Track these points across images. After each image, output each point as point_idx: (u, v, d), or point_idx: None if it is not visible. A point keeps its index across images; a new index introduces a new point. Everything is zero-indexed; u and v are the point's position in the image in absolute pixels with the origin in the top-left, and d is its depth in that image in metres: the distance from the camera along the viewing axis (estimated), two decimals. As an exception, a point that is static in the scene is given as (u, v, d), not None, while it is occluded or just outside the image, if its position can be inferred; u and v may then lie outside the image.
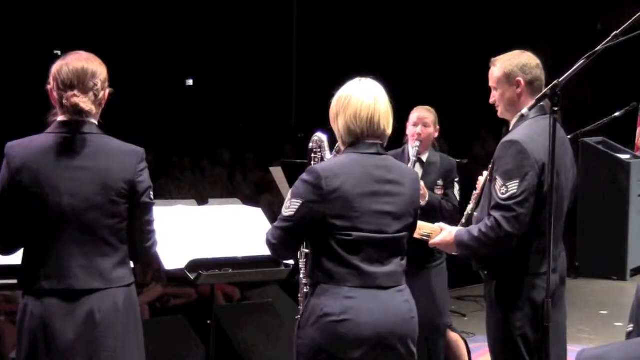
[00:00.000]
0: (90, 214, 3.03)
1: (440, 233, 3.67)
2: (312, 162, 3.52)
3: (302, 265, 3.51)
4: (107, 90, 3.17)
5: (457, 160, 5.58)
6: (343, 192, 3.03)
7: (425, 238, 3.71)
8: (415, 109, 5.09)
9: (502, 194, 3.40)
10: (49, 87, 3.13)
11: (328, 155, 3.43)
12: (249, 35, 16.11)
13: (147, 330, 3.25)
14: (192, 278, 4.04)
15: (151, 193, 3.17)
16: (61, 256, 3.02)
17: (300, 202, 3.05)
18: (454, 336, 5.14)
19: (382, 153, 3.16)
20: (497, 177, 3.45)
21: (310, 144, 3.65)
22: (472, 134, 14.06)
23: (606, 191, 9.02)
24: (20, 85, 12.74)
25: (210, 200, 4.75)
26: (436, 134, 5.10)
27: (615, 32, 3.19)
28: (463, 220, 4.00)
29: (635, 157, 9.25)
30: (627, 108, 7.11)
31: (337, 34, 16.16)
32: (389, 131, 3.19)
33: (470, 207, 3.95)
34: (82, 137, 3.07)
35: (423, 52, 15.90)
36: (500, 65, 3.61)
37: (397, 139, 5.09)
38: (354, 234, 3.04)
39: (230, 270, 4.16)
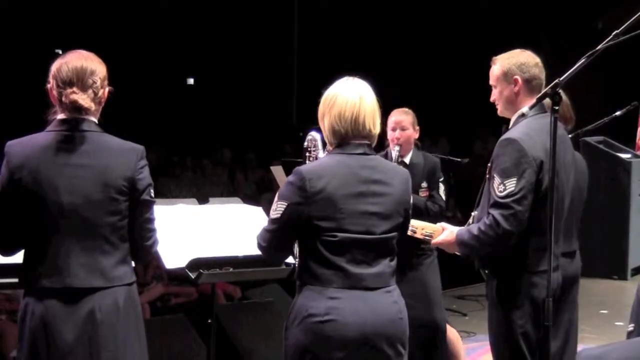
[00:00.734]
0: (90, 211, 3.03)
1: (442, 233, 3.68)
2: (308, 161, 3.52)
3: None
4: (107, 89, 3.17)
5: (458, 159, 5.58)
6: (327, 193, 3.02)
7: (427, 238, 3.72)
8: (392, 113, 5.07)
9: (500, 192, 3.40)
10: (48, 85, 3.13)
11: (321, 154, 3.42)
12: (250, 35, 16.11)
13: (147, 329, 3.24)
14: (192, 277, 4.04)
15: (151, 191, 3.16)
16: (61, 254, 3.02)
17: (286, 204, 3.05)
18: (450, 331, 5.14)
19: (369, 153, 3.13)
20: (494, 175, 3.46)
21: (305, 143, 3.65)
22: (473, 133, 14.07)
23: (607, 190, 9.02)
24: (21, 84, 12.74)
25: (211, 199, 4.74)
26: (416, 135, 5.09)
27: (616, 31, 3.19)
28: (470, 221, 4.00)
29: (636, 156, 9.25)
30: (628, 107, 7.12)
31: (337, 32, 16.16)
32: (376, 131, 3.16)
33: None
34: (81, 135, 3.07)
35: (425, 52, 15.90)
36: (500, 64, 3.64)
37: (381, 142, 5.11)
38: (339, 235, 3.03)
39: (231, 269, 4.16)
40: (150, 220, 3.17)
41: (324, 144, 3.34)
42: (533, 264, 3.46)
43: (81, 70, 3.08)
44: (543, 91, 3.30)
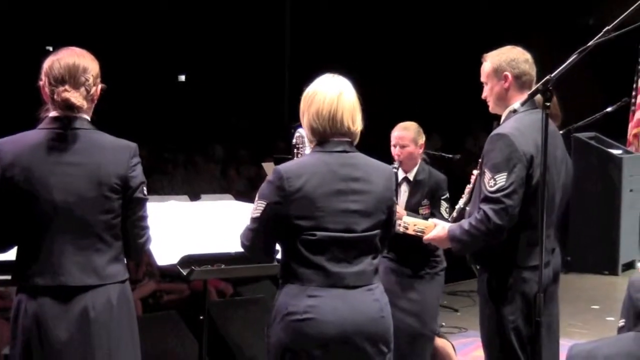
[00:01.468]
0: (83, 209, 3.03)
1: (434, 229, 3.69)
2: (296, 158, 3.51)
3: None
4: (100, 86, 3.16)
5: (450, 156, 5.55)
6: (306, 192, 3.01)
7: (419, 234, 3.73)
8: (394, 128, 4.94)
9: (491, 186, 3.42)
10: (40, 82, 3.12)
11: (307, 151, 3.39)
12: (242, 31, 16.09)
13: (139, 326, 3.24)
14: (184, 274, 4.04)
15: (144, 188, 3.16)
16: (54, 253, 3.02)
17: (265, 203, 3.05)
18: (440, 342, 5.10)
19: (349, 151, 3.12)
20: (485, 171, 3.47)
21: (294, 140, 3.65)
22: (465, 130, 14.07)
23: (598, 186, 9.04)
24: (12, 82, 12.70)
25: (202, 196, 4.74)
26: (420, 150, 4.93)
27: (607, 28, 3.20)
28: (454, 214, 4.02)
29: (627, 152, 9.28)
30: (619, 103, 7.14)
31: (329, 28, 16.15)
32: (355, 128, 3.13)
33: (462, 201, 3.96)
34: (73, 133, 3.06)
35: (417, 49, 15.90)
36: (490, 61, 3.66)
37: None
38: (318, 233, 3.02)
39: (223, 266, 4.16)
40: (143, 218, 3.17)
41: None
42: (524, 259, 3.48)
43: (73, 68, 3.07)
44: (534, 87, 3.31)
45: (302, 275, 3.03)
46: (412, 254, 4.54)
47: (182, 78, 18.03)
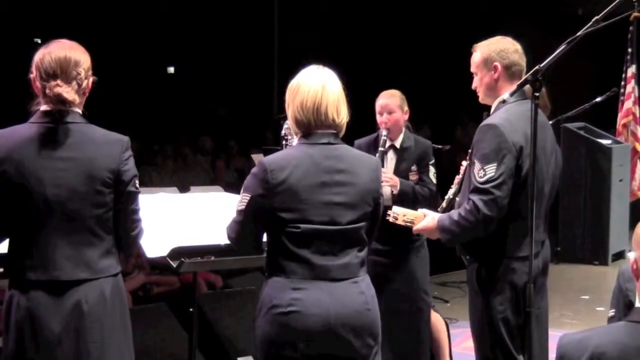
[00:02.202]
0: (75, 204, 3.02)
1: (424, 219, 3.69)
2: (284, 149, 3.51)
3: None
4: (91, 79, 3.14)
5: (439, 146, 5.57)
6: (289, 184, 3.01)
7: (409, 224, 3.72)
8: (379, 96, 5.00)
9: (480, 177, 3.42)
10: (31, 76, 3.10)
11: (295, 142, 3.38)
12: (231, 23, 16.06)
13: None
14: (174, 266, 4.04)
15: (137, 182, 3.15)
16: (47, 247, 3.01)
17: (249, 196, 3.05)
18: (435, 317, 5.16)
19: (334, 143, 3.11)
20: (475, 161, 3.48)
21: (282, 131, 3.65)
22: (454, 120, 14.10)
23: (588, 176, 9.07)
24: (1, 75, 12.65)
25: (192, 187, 4.73)
26: (406, 116, 4.99)
27: (596, 17, 3.21)
28: (444, 205, 4.02)
29: (617, 142, 9.31)
30: (608, 93, 7.17)
31: (319, 19, 16.14)
32: (340, 120, 3.13)
33: (451, 191, 3.97)
34: (65, 127, 3.05)
35: (407, 39, 15.90)
36: (480, 51, 3.67)
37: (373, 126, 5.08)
38: (303, 226, 3.01)
39: (213, 258, 4.16)
40: (136, 211, 3.16)
41: None
42: (513, 249, 3.49)
43: (65, 61, 3.05)
44: (524, 77, 3.32)
45: (286, 268, 3.03)
46: (393, 232, 4.54)
47: (171, 70, 18.00)
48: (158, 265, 6.11)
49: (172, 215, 4.20)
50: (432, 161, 5.04)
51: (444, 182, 4.78)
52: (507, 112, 3.52)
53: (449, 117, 14.29)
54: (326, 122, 3.09)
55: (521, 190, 3.40)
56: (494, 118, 3.53)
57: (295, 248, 3.02)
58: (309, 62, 3.25)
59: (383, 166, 4.88)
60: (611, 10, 3.21)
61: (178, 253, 4.04)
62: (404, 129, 5.04)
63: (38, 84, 3.07)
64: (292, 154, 3.10)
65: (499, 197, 3.39)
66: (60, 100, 3.02)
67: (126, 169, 3.10)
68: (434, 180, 4.99)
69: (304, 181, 3.02)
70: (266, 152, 5.47)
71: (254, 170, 3.09)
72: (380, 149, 4.87)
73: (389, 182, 4.81)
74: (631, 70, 9.30)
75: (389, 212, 3.75)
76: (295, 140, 3.28)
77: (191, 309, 4.39)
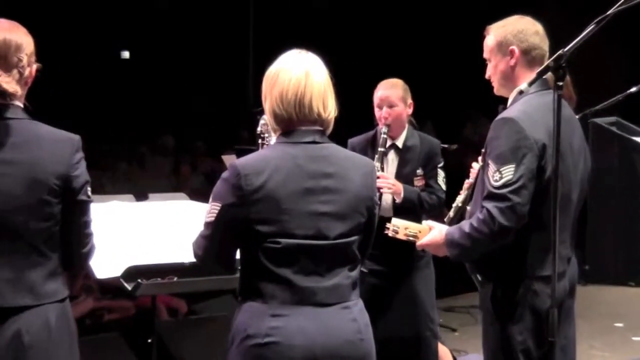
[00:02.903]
0: (17, 216, 3.01)
1: (429, 232, 3.69)
2: (260, 149, 3.53)
3: None
4: (34, 66, 3.14)
5: (445, 146, 5.58)
6: (267, 191, 3.00)
7: (411, 239, 3.72)
8: (378, 86, 5.00)
9: (495, 181, 3.43)
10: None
11: (273, 141, 3.36)
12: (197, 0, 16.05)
13: (77, 350, 3.24)
14: (129, 288, 4.05)
15: (89, 189, 3.15)
16: None
17: (220, 205, 3.05)
18: (440, 350, 5.16)
19: (321, 141, 3.11)
20: (489, 162, 3.48)
21: (259, 128, 3.66)
22: (463, 115, 14.14)
23: (620, 180, 9.10)
24: None
25: (150, 195, 4.74)
26: (409, 110, 5.01)
27: (629, -7, 3.22)
28: (451, 214, 4.03)
29: (655, 140, 9.35)
30: (645, 83, 7.19)
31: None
32: (327, 114, 3.13)
33: (460, 198, 3.98)
34: (5, 124, 3.04)
35: (402, 19, 15.92)
36: (494, 33, 3.69)
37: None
38: (283, 240, 3.01)
39: (176, 279, 4.17)
40: (87, 224, 3.17)
41: None
42: (534, 267, 3.49)
43: (4, 46, 3.04)
44: (545, 64, 3.32)
45: (264, 290, 3.03)
46: (392, 249, 4.54)
47: (126, 55, 17.95)
48: (110, 288, 6.10)
49: (126, 227, 4.21)
50: (441, 163, 5.04)
51: (452, 187, 4.79)
52: (527, 104, 3.53)
53: (456, 111, 14.32)
54: (310, 117, 3.10)
55: (544, 197, 3.39)
56: (511, 111, 3.54)
57: (275, 267, 3.02)
58: (290, 45, 3.25)
59: (383, 169, 4.88)
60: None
61: (134, 273, 4.05)
62: (407, 125, 5.04)
63: (-30, 73, 3.06)
64: (270, 155, 3.10)
65: (518, 204, 3.40)
66: None
67: (77, 174, 3.10)
68: (444, 187, 4.97)
69: (285, 187, 3.02)
70: (240, 153, 5.46)
71: (225, 174, 3.08)
72: (380, 149, 4.86)
73: (391, 189, 4.81)
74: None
75: (388, 224, 3.75)
76: (273, 139, 3.29)
77: (149, 340, 4.39)
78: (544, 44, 3.66)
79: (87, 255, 3.20)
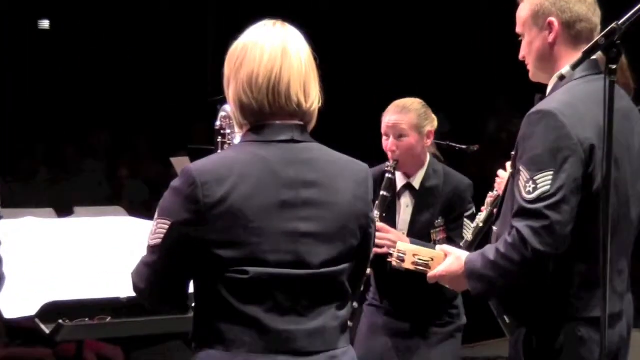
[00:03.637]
0: None
1: (445, 260, 3.68)
2: (220, 149, 3.55)
3: None
4: None
5: (462, 147, 5.55)
6: (231, 205, 2.99)
7: (421, 269, 3.71)
8: (388, 109, 4.96)
9: (529, 192, 3.43)
10: None
11: (238, 140, 3.35)
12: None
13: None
14: (47, 331, 4.03)
15: None
16: None
17: (169, 223, 3.04)
18: None
19: (301, 140, 3.12)
20: (521, 168, 3.48)
21: (218, 122, 3.67)
22: (485, 108, 14.17)
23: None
24: None
25: (76, 208, 4.75)
26: (428, 141, 4.96)
27: None
28: (470, 237, 4.02)
29: None
30: None
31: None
32: (309, 105, 3.14)
33: (481, 216, 3.98)
34: None
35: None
36: (528, 1, 3.69)
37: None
38: (252, 269, 3.00)
39: (109, 319, 4.17)
40: None
41: None
42: (580, 307, 3.51)
43: None
44: (594, 41, 3.33)
45: (226, 335, 3.03)
46: (414, 302, 4.53)
47: (45, 24, 17.95)
48: (21, 331, 6.10)
49: (45, 251, 4.20)
50: (471, 211, 4.93)
51: (473, 202, 4.78)
52: (570, 93, 3.54)
53: (477, 100, 14.36)
54: (288, 108, 3.10)
55: (592, 214, 3.39)
56: (550, 102, 3.55)
57: (241, 304, 3.02)
58: (261, 17, 3.25)
59: (383, 219, 4.78)
60: None
61: (54, 311, 4.04)
62: (428, 157, 5.00)
63: None
64: (235, 158, 3.09)
65: (557, 222, 3.40)
66: None
67: None
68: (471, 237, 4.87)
69: (254, 200, 3.02)
70: (194, 155, 5.47)
71: (175, 182, 3.07)
72: (382, 192, 4.78)
73: (381, 249, 4.67)
74: None
75: (392, 250, 3.75)
76: (238, 137, 3.29)
77: (74, 400, 4.39)
78: (593, 15, 3.67)
79: None
